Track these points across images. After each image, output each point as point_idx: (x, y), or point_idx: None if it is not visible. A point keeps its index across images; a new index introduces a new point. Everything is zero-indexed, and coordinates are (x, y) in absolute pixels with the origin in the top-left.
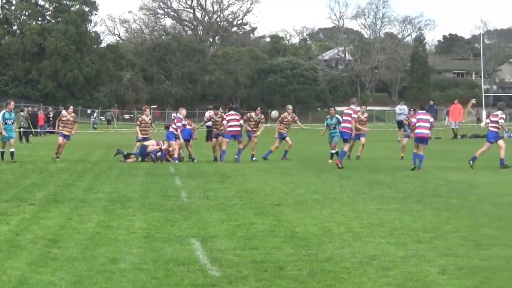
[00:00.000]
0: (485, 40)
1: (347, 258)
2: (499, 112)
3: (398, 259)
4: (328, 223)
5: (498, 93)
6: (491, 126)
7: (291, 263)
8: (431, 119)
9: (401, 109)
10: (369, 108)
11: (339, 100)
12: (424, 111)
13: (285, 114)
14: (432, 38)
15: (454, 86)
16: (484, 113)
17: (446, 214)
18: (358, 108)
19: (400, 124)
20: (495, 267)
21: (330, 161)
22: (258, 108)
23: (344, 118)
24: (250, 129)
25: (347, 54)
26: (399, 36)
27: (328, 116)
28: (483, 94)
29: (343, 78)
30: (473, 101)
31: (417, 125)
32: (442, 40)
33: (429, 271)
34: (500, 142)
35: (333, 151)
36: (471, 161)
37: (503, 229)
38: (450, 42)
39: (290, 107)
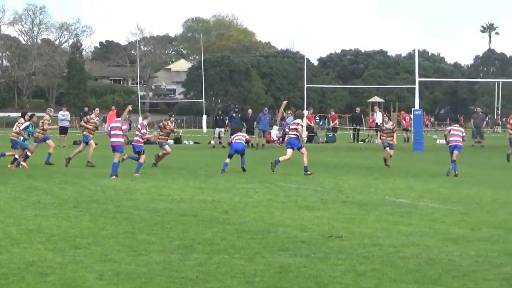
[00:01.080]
0: (142, 47)
1: (5, 264)
2: (298, 120)
3: (56, 265)
4: None
5: (155, 100)
6: (291, 134)
7: None
8: (124, 127)
9: (64, 115)
10: None
11: None
12: (119, 119)
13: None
14: (89, 44)
15: (111, 92)
16: (140, 119)
17: (102, 220)
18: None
19: (63, 129)
20: (152, 272)
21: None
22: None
23: (136, 133)
24: None
25: (4, 60)
26: (56, 42)
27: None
28: (139, 101)
29: (0, 84)
30: (130, 107)
31: (111, 133)
32: (99, 47)
33: (87, 277)
34: (302, 150)
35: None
36: (273, 164)
37: (159, 235)
38: (107, 49)
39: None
